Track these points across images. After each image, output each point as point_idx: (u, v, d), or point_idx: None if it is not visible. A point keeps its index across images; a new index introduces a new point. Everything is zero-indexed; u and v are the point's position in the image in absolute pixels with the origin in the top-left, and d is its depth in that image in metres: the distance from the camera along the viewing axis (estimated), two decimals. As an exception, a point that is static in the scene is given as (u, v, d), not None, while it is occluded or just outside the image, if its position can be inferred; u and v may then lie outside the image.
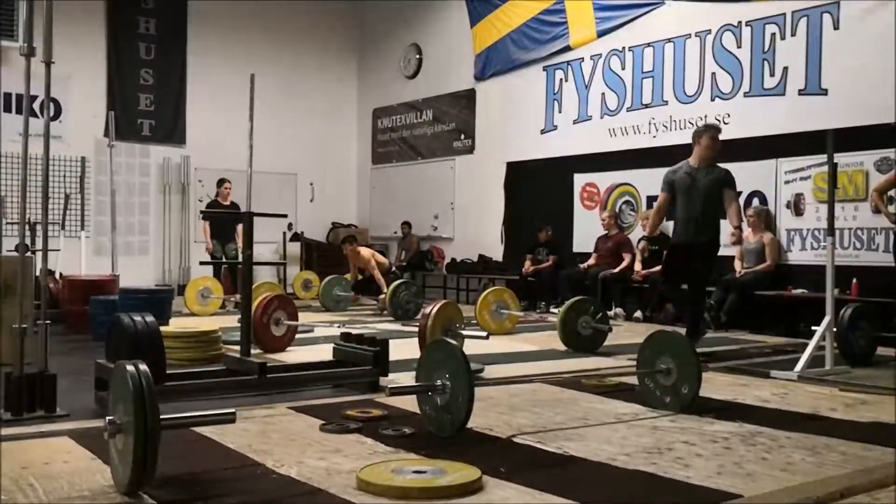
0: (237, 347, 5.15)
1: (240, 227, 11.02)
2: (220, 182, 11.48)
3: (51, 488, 2.84)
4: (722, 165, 6.83)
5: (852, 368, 5.87)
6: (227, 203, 11.38)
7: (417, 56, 14.33)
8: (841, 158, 7.29)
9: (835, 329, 5.89)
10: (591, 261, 10.56)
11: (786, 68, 8.97)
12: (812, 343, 5.72)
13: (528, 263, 11.26)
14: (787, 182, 8.99)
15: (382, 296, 10.00)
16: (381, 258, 11.24)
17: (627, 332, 8.10)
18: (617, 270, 10.10)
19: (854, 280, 8.05)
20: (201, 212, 12.14)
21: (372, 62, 15.41)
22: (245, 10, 14.14)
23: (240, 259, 4.96)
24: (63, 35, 9.06)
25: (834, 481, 3.02)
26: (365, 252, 10.96)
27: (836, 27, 8.52)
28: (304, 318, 7.65)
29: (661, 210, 7.04)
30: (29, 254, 4.46)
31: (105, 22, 13.09)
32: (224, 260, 11.08)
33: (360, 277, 11.19)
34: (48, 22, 4.20)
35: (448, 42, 13.69)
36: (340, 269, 12.13)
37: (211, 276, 10.71)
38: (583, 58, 11.31)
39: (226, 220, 11.30)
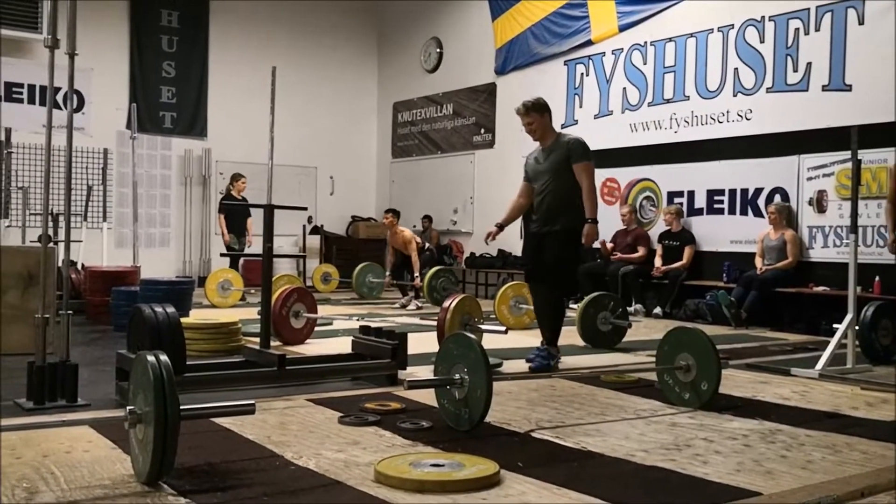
0: (257, 339, 5.18)
1: (249, 222, 11.18)
2: (238, 177, 11.49)
3: (72, 477, 2.87)
4: (572, 137, 5.84)
5: (874, 367, 5.82)
6: (240, 197, 11.41)
7: (438, 50, 14.32)
8: (865, 155, 7.20)
9: (857, 327, 5.84)
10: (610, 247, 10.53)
11: (809, 64, 8.91)
12: (833, 341, 5.68)
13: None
14: (809, 179, 8.90)
15: (416, 279, 10.06)
16: (418, 239, 11.04)
17: (647, 328, 8.08)
18: (634, 257, 10.10)
19: (877, 278, 7.98)
20: (220, 204, 12.20)
21: (392, 56, 15.41)
22: (266, 3, 14.21)
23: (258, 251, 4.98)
24: (86, 27, 9.15)
25: (854, 480, 3.00)
26: (407, 233, 10.73)
27: (860, 22, 8.46)
28: (323, 310, 7.68)
29: (516, 199, 6.08)
30: (51, 244, 4.50)
31: (128, 14, 13.18)
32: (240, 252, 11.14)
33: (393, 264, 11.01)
34: (72, 14, 4.24)
35: (469, 36, 13.66)
36: (360, 263, 12.12)
37: (231, 269, 10.76)
38: (604, 52, 11.28)
39: (242, 214, 11.36)
